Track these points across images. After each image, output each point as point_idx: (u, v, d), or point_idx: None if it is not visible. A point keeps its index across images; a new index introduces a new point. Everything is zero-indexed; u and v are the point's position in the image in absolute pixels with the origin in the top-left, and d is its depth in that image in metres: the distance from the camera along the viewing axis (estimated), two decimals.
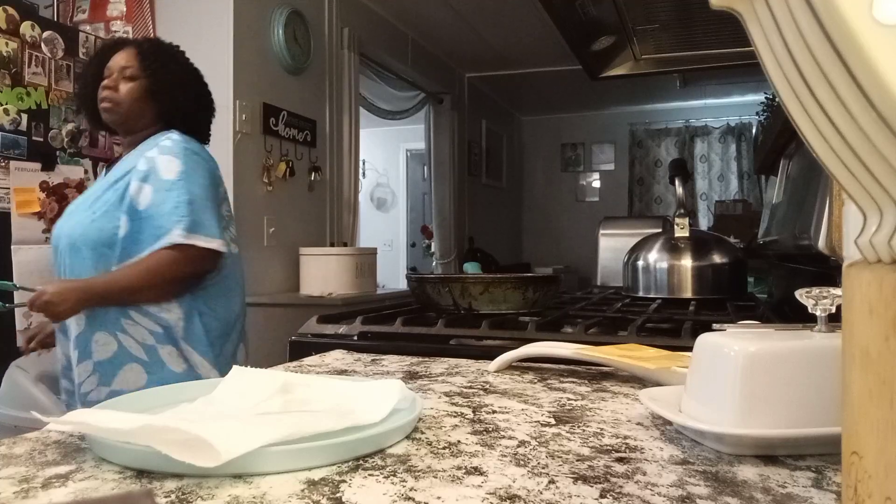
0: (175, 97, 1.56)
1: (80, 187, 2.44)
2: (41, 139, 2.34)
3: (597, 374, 0.80)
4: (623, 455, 0.48)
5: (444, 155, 5.22)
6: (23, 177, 2.27)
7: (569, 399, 0.66)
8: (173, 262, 1.41)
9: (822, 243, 0.83)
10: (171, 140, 1.49)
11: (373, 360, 0.91)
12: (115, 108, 1.51)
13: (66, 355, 1.51)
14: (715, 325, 0.60)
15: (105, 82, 1.52)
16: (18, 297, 1.66)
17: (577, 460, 0.47)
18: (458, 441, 0.51)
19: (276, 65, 3.17)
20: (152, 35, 2.83)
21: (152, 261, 1.40)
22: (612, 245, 2.34)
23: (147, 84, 1.52)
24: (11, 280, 1.54)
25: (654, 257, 1.58)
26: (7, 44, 2.24)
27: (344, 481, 0.42)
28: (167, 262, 1.40)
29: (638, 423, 0.57)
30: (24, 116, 2.28)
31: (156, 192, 1.43)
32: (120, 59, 1.53)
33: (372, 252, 3.37)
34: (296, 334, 1.09)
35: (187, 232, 1.41)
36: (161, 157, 1.46)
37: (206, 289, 1.50)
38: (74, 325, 1.44)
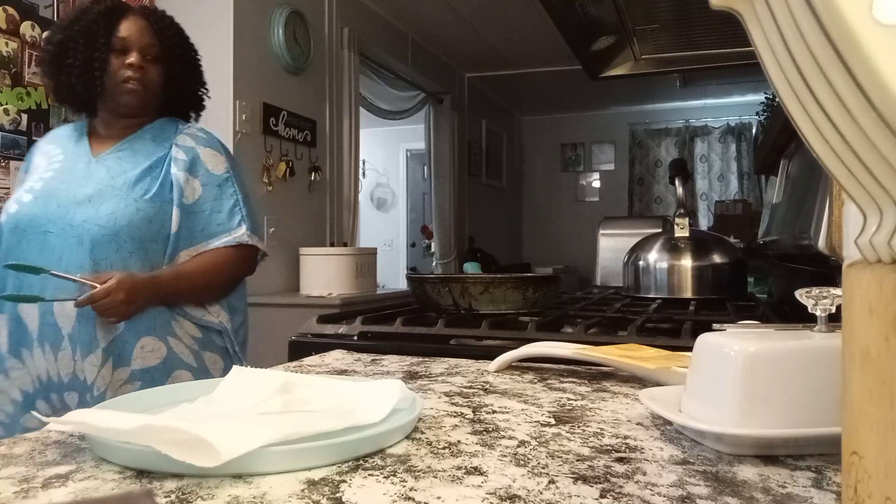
0: (190, 88, 1.44)
1: None
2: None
3: (597, 374, 0.80)
4: (623, 455, 0.48)
5: (444, 155, 5.22)
6: None
7: (569, 399, 0.66)
8: (237, 262, 1.33)
9: (822, 243, 0.83)
10: (203, 132, 1.40)
11: (373, 360, 0.91)
12: (143, 91, 1.34)
13: (47, 370, 1.21)
14: (715, 325, 0.60)
15: (132, 60, 1.32)
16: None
17: (577, 460, 0.47)
18: (458, 441, 0.51)
19: (276, 65, 3.18)
20: None
21: (219, 258, 1.30)
22: (612, 245, 2.33)
23: (169, 70, 1.38)
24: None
25: (654, 257, 1.58)
26: (7, 44, 2.24)
27: (344, 481, 0.42)
28: (232, 261, 1.32)
29: (638, 423, 0.57)
30: (24, 116, 2.29)
31: (206, 186, 1.33)
32: (139, 35, 1.34)
33: (372, 252, 3.37)
34: (296, 334, 1.09)
35: (252, 232, 1.35)
36: (203, 149, 1.36)
37: (236, 292, 1.41)
38: (104, 329, 1.21)
